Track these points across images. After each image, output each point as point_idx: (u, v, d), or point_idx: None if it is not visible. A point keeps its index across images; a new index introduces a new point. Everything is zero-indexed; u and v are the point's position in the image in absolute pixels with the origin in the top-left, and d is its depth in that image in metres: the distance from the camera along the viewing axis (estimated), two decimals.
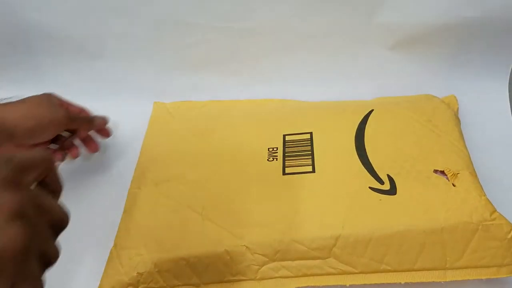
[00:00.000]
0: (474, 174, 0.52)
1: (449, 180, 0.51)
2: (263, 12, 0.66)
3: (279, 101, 0.71)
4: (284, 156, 0.58)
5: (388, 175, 0.53)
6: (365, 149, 0.56)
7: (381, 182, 0.52)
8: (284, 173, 0.56)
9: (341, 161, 0.56)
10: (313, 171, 0.55)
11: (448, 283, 0.47)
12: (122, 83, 0.76)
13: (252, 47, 0.71)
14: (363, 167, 0.54)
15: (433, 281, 0.47)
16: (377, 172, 0.53)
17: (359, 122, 0.60)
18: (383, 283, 0.48)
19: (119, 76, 0.75)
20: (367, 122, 0.60)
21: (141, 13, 0.68)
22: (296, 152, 0.58)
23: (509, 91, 0.69)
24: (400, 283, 0.48)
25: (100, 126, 0.64)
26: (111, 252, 0.54)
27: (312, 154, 0.57)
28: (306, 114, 0.65)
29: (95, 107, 0.75)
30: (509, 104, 0.68)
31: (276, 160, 0.58)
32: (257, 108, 0.70)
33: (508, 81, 0.69)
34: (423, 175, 0.52)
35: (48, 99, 0.56)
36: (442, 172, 0.52)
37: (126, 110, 0.72)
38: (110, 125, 0.66)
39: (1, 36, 0.72)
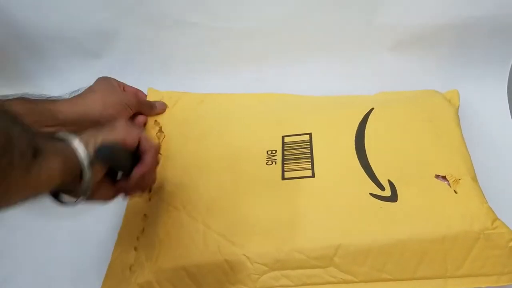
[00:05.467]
0: (475, 179, 0.52)
1: (450, 186, 0.50)
2: (263, 13, 0.66)
3: (278, 96, 0.69)
4: (283, 159, 0.57)
5: (389, 181, 0.52)
6: (365, 152, 0.55)
7: (382, 188, 0.52)
8: (283, 178, 0.55)
9: (341, 165, 0.55)
10: (313, 175, 0.54)
11: None
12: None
13: (252, 47, 0.70)
14: (363, 172, 0.54)
15: None
16: (378, 177, 0.53)
17: (359, 122, 0.59)
18: None
19: (118, 76, 0.73)
20: (367, 122, 0.59)
21: (140, 13, 0.68)
22: (295, 154, 0.57)
23: (508, 89, 0.69)
24: None
25: (160, 112, 0.66)
26: (110, 262, 0.54)
27: (312, 157, 0.56)
28: (306, 112, 0.64)
29: None
30: (508, 103, 0.68)
31: (275, 163, 0.57)
32: (256, 105, 0.68)
33: (507, 80, 0.69)
34: (425, 180, 0.52)
35: (112, 85, 0.61)
36: (444, 178, 0.51)
37: None
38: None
39: (1, 36, 0.72)
